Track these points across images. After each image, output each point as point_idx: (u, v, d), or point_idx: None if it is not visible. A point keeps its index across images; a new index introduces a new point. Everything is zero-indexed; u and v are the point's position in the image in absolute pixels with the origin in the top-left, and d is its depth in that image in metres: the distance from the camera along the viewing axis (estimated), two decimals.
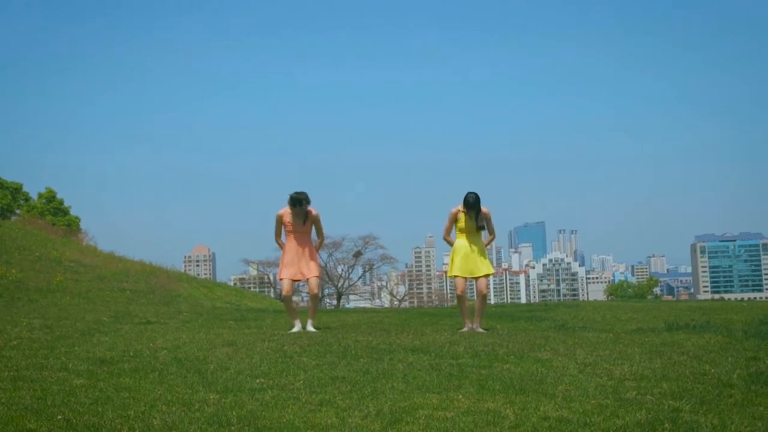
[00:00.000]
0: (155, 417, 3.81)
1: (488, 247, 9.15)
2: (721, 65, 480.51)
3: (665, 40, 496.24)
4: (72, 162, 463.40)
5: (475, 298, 8.98)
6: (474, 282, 9.00)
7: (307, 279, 8.82)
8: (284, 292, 9.12)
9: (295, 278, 8.82)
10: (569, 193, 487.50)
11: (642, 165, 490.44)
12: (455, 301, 11.09)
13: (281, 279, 8.95)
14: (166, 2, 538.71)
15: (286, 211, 8.80)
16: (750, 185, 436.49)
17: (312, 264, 8.87)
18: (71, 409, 3.96)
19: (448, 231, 9.02)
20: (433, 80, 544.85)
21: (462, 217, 8.81)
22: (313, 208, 8.84)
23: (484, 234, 9.02)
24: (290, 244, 8.84)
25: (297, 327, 8.72)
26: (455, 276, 8.85)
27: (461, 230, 8.86)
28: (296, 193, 8.67)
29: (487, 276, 8.91)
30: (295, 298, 9.14)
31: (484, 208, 8.81)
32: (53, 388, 4.54)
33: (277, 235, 9.00)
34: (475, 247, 8.83)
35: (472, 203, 8.70)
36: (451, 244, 9.05)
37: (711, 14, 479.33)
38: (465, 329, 8.75)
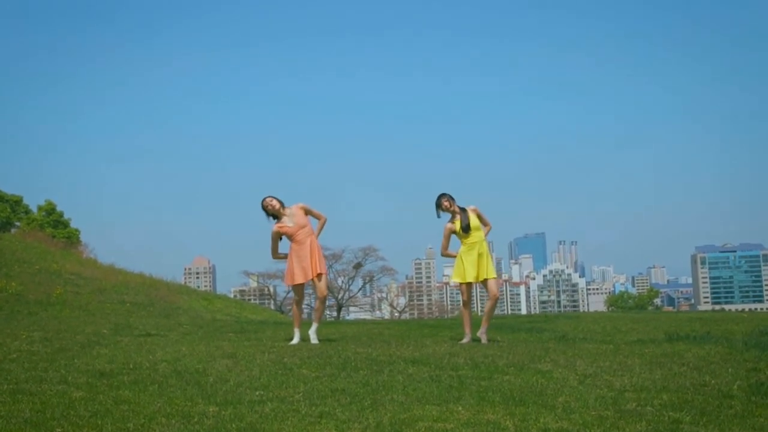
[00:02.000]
0: (155, 430, 3.81)
1: (487, 237, 9.08)
2: (721, 75, 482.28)
3: (664, 51, 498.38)
4: (72, 174, 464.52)
5: (487, 300, 8.97)
6: (481, 285, 8.96)
7: (315, 278, 8.68)
8: (297, 297, 9.03)
9: (308, 278, 8.71)
10: (569, 204, 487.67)
11: (642, 176, 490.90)
12: (456, 313, 11.07)
13: (293, 283, 8.71)
14: (165, 15, 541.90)
15: (279, 224, 8.69)
16: (750, 196, 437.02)
17: (321, 259, 8.79)
18: (70, 422, 3.95)
19: (446, 247, 8.98)
20: (432, 90, 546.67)
21: (457, 227, 8.76)
22: (296, 204, 8.74)
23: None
24: (296, 245, 8.68)
25: (297, 338, 8.71)
26: (462, 282, 8.81)
27: (459, 237, 8.83)
28: (267, 201, 8.63)
29: (496, 279, 8.87)
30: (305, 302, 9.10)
31: (469, 208, 8.78)
32: (52, 401, 4.53)
33: (274, 252, 8.87)
34: (480, 251, 8.76)
35: (443, 204, 8.71)
36: (451, 256, 9.01)
37: (712, 25, 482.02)
38: (465, 340, 8.73)
